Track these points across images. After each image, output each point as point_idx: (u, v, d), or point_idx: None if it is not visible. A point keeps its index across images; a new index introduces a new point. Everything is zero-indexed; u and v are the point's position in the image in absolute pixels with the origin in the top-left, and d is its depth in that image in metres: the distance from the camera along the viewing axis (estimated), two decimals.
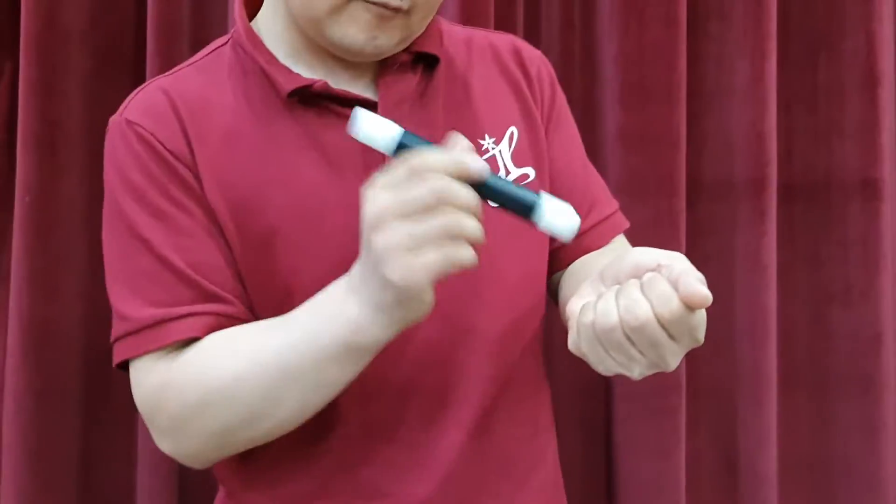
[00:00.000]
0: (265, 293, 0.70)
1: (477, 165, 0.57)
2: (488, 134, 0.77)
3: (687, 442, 1.18)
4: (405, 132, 0.59)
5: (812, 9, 1.28)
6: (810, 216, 1.26)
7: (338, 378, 0.64)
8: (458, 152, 0.58)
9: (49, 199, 1.10)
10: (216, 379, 0.65)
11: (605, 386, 1.20)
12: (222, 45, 0.76)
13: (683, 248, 1.18)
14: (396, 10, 0.68)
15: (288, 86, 0.70)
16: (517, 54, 0.82)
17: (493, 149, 0.77)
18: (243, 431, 0.67)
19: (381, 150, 0.59)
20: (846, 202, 1.25)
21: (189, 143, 0.70)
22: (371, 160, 0.69)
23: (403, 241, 0.55)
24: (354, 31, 0.69)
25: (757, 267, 1.20)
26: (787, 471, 1.22)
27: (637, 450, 1.16)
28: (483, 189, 0.58)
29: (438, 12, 0.75)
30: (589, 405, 1.21)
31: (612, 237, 0.83)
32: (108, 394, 1.13)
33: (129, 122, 0.71)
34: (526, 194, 0.58)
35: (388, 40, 0.70)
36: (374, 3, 0.67)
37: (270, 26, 0.74)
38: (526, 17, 1.22)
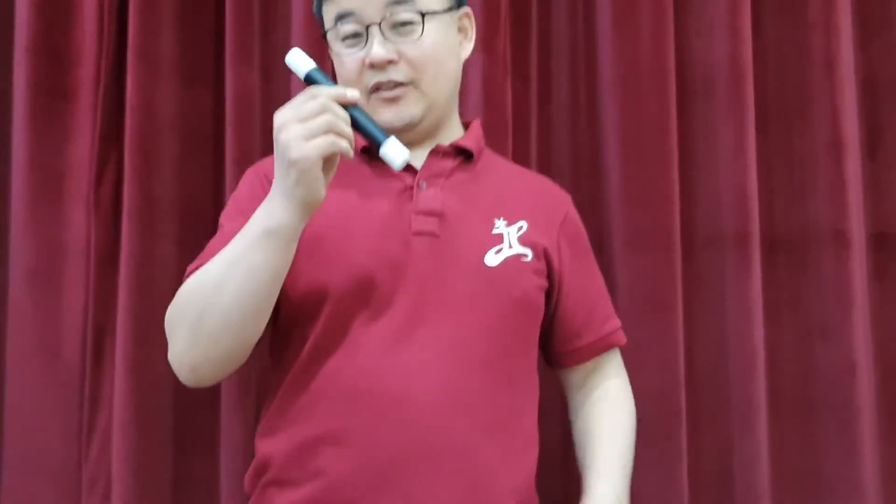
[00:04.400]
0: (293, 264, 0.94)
1: (351, 95, 0.87)
2: (503, 217, 1.01)
3: (688, 462, 1.35)
4: (316, 67, 0.90)
5: (785, 84, 1.48)
6: (791, 263, 1.44)
7: (262, 263, 0.86)
8: (342, 87, 0.87)
9: (148, 262, 1.32)
10: (190, 283, 0.93)
11: None
12: None
13: (680, 293, 1.37)
14: (400, 84, 0.98)
15: (361, 143, 1.00)
16: (552, 195, 1.13)
17: (504, 228, 1.01)
18: (205, 326, 0.88)
19: (298, 74, 0.90)
20: (820, 251, 1.42)
21: None
22: (397, 208, 0.97)
23: (300, 132, 0.83)
24: (383, 113, 0.98)
25: (744, 308, 1.38)
26: (779, 485, 1.38)
27: (642, 471, 1.32)
28: (352, 115, 0.87)
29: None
30: None
31: (602, 352, 1.13)
32: (194, 426, 1.34)
33: (255, 167, 1.07)
34: (377, 132, 0.88)
35: (408, 111, 0.99)
36: (380, 91, 0.98)
37: None
38: (539, 97, 1.45)
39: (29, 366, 1.31)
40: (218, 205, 1.38)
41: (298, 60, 0.90)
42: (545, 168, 1.42)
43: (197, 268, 0.95)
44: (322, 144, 0.83)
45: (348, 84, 0.98)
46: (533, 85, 1.44)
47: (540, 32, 1.46)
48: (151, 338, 1.31)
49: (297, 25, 1.38)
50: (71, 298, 1.33)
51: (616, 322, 1.15)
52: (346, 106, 0.87)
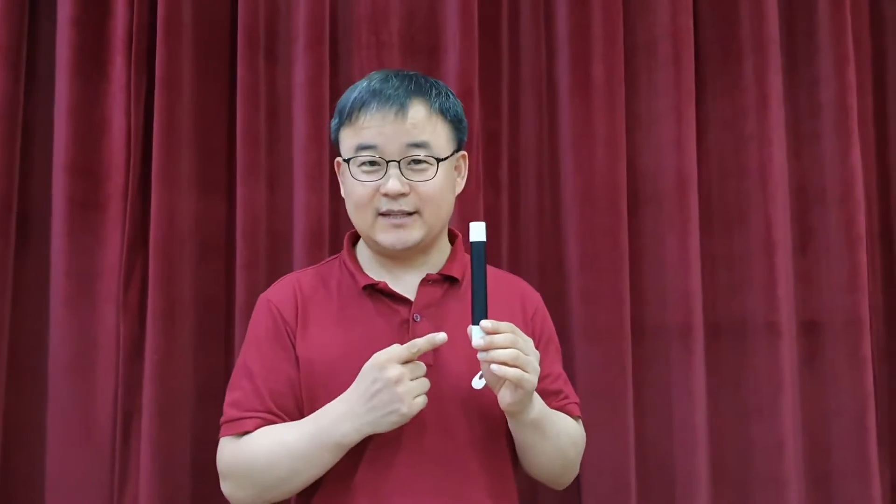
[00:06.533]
0: (309, 394, 1.16)
1: (441, 339, 1.07)
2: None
3: None
4: (483, 243, 1.07)
5: (725, 195, 1.69)
6: (730, 350, 1.65)
7: (329, 461, 1.10)
8: (440, 335, 1.08)
9: (169, 355, 1.53)
10: (261, 459, 1.11)
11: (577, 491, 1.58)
12: (339, 256, 1.26)
13: (630, 378, 1.57)
14: (408, 213, 1.15)
15: (362, 282, 1.18)
16: (523, 294, 1.29)
17: None
18: (276, 490, 1.12)
19: (471, 236, 1.07)
20: (755, 339, 1.63)
21: (297, 317, 1.19)
22: (396, 341, 1.12)
23: (413, 389, 1.06)
24: (385, 236, 1.16)
25: (687, 391, 1.59)
26: None
27: None
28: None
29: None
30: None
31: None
32: (211, 501, 1.53)
33: (268, 300, 1.22)
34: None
35: (411, 237, 1.16)
36: (388, 217, 1.15)
37: (363, 248, 1.24)
38: (510, 207, 1.66)
39: (67, 444, 1.51)
40: (230, 304, 1.59)
41: (479, 231, 1.07)
42: (515, 268, 1.63)
43: (238, 419, 1.15)
44: (421, 403, 1.06)
45: (360, 204, 1.16)
46: (504, 196, 1.65)
47: (510, 151, 1.67)
48: (172, 421, 1.51)
49: (299, 143, 1.60)
50: (102, 386, 1.53)
51: (570, 399, 1.25)
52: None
